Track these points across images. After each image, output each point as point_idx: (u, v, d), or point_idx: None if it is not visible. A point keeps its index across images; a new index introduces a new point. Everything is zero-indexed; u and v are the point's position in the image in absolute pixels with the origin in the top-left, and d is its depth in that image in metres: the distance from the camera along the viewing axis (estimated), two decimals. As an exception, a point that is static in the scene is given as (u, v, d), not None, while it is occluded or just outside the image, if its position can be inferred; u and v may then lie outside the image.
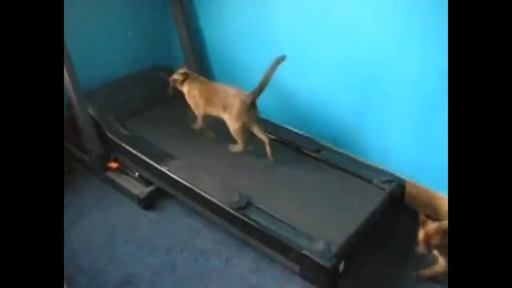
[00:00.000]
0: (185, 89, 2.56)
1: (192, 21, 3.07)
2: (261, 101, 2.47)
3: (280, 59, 2.25)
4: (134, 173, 2.52)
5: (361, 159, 2.46)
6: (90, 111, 2.58)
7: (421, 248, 1.85)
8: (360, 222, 2.04)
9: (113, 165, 2.58)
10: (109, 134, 2.58)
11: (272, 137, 2.57)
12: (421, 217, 1.88)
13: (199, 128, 2.62)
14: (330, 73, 2.51)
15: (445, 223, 1.87)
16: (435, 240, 1.82)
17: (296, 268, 1.96)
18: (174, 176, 2.30)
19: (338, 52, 2.42)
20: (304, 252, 1.88)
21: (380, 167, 2.39)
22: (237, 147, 2.48)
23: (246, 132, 2.43)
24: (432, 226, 1.84)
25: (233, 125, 2.39)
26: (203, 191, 2.20)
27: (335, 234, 1.95)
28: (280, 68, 2.26)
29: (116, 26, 3.01)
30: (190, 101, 2.57)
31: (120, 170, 2.58)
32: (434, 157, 2.26)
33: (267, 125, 2.66)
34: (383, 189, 2.23)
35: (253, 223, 2.03)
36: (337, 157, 2.47)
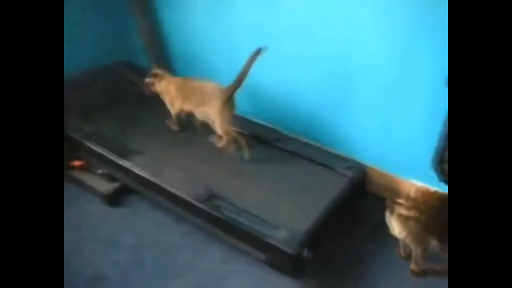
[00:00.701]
0: (158, 88, 2.59)
1: (153, 17, 3.04)
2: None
3: (258, 52, 2.24)
4: (98, 171, 2.50)
5: (322, 147, 2.51)
6: (51, 109, 2.54)
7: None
8: (323, 209, 2.09)
9: (77, 163, 2.56)
10: (70, 133, 2.55)
11: (235, 128, 2.60)
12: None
13: (176, 128, 2.67)
14: (295, 66, 2.53)
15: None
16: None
17: (263, 256, 2.00)
18: (139, 172, 2.30)
19: (303, 46, 2.44)
20: (269, 240, 1.92)
21: (341, 154, 2.44)
22: (223, 142, 2.47)
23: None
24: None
25: (216, 121, 2.40)
26: (168, 185, 2.21)
27: (299, 221, 2.00)
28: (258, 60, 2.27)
29: (75, 21, 2.96)
30: (165, 98, 2.60)
31: (84, 168, 2.55)
32: (398, 145, 2.32)
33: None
34: (344, 175, 2.28)
35: (219, 215, 2.06)
36: (299, 146, 2.52)
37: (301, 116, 2.64)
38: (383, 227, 1.96)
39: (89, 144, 2.49)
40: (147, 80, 2.59)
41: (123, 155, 2.39)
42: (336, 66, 2.36)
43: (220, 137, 2.47)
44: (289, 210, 2.10)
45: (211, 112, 2.40)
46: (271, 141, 2.55)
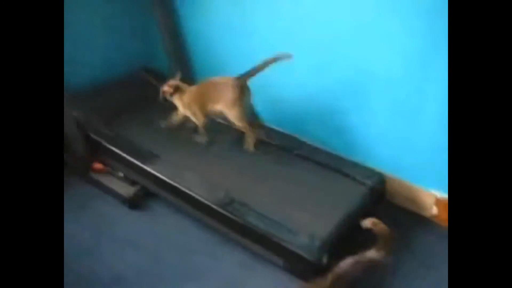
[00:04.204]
0: (178, 102, 2.57)
1: (175, 23, 3.10)
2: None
3: (282, 57, 2.28)
4: (119, 174, 2.54)
5: (342, 155, 2.51)
6: (75, 112, 2.59)
7: None
8: (343, 216, 2.08)
9: (98, 166, 2.59)
10: (93, 135, 2.59)
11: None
12: None
13: (204, 140, 2.62)
14: (308, 71, 2.56)
15: None
16: None
17: (282, 262, 2.01)
18: (159, 175, 2.33)
19: (317, 48, 2.47)
20: (288, 246, 1.92)
21: (361, 163, 2.43)
22: (250, 139, 2.54)
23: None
24: None
25: (232, 113, 2.43)
26: (188, 189, 2.23)
27: (318, 228, 2.00)
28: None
29: (102, 28, 3.03)
30: (187, 112, 2.57)
31: (105, 171, 2.59)
32: (414, 151, 2.31)
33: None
34: (364, 184, 2.28)
35: (239, 220, 2.07)
36: (318, 154, 2.51)
37: (317, 122, 2.66)
38: (400, 240, 1.94)
39: (111, 147, 2.52)
40: (165, 88, 2.56)
41: (144, 159, 2.42)
42: (355, 75, 2.39)
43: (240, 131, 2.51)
44: (308, 217, 2.10)
45: (226, 107, 2.43)
46: (292, 149, 2.55)
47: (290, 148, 2.56)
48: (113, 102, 2.87)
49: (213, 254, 2.19)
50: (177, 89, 2.55)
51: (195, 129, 2.62)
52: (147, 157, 2.44)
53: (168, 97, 2.58)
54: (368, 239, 2.23)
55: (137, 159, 2.43)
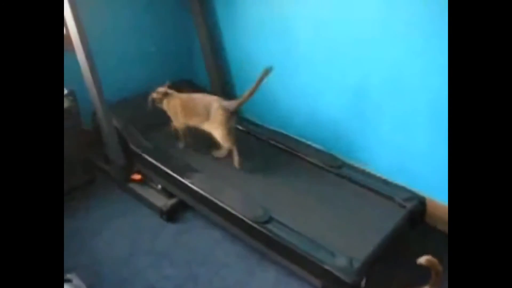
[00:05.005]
0: (165, 106, 2.69)
1: (215, 36, 3.14)
2: (283, 115, 2.48)
3: (266, 72, 2.37)
4: (157, 186, 2.56)
5: (382, 177, 2.48)
6: (115, 123, 2.64)
7: None
8: (382, 239, 2.05)
9: (137, 176, 2.63)
10: (132, 146, 2.63)
11: (292, 151, 2.64)
12: None
13: (183, 145, 2.74)
14: (346, 90, 2.57)
15: None
16: None
17: (318, 282, 1.98)
18: (197, 189, 2.34)
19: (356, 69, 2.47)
20: (327, 267, 1.90)
21: (400, 184, 2.39)
22: (222, 152, 2.61)
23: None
24: None
25: (220, 133, 2.51)
26: (226, 204, 2.23)
27: (357, 250, 1.97)
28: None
29: (141, 41, 3.09)
30: (170, 114, 2.70)
31: (143, 182, 2.62)
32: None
33: (288, 140, 2.72)
34: (404, 206, 2.24)
35: (276, 238, 2.05)
36: (357, 174, 2.48)
37: (355, 142, 2.64)
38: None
39: (149, 159, 2.55)
40: (154, 95, 2.67)
41: (182, 172, 2.44)
42: (385, 91, 2.40)
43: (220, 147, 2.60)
44: (347, 238, 2.07)
45: (215, 126, 2.51)
46: (331, 167, 2.53)
47: (329, 167, 2.54)
48: (152, 112, 2.90)
49: (248, 270, 2.18)
50: (165, 95, 2.66)
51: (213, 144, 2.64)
52: (185, 170, 2.46)
53: (157, 103, 2.69)
54: (405, 262, 2.19)
55: (175, 172, 2.45)
